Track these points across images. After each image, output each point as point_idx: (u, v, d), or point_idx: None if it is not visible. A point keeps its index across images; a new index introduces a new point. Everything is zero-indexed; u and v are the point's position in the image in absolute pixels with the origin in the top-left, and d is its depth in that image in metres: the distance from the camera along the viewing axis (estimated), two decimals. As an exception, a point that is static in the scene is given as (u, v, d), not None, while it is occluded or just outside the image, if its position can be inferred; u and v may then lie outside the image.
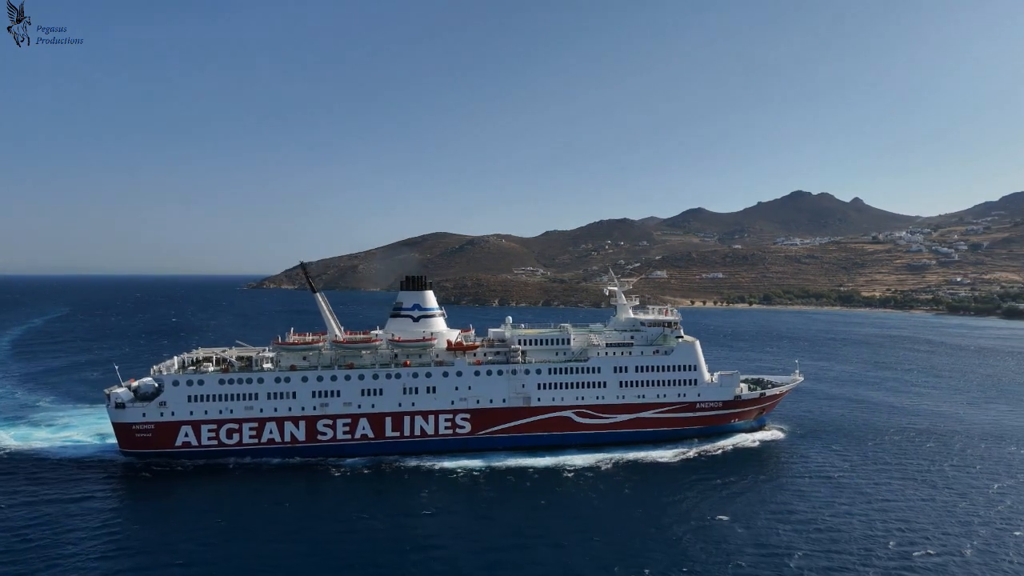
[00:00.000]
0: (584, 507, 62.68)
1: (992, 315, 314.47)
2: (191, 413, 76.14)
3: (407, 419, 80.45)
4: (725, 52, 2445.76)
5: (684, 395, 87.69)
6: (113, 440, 78.19)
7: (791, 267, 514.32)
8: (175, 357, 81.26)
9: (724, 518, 59.32)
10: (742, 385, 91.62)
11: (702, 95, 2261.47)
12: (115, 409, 75.01)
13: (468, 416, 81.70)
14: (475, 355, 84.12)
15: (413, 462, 75.81)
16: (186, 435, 76.08)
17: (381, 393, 79.84)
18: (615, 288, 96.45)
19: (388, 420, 80.00)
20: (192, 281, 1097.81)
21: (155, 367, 79.02)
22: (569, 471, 73.43)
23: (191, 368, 78.52)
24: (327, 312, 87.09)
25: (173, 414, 75.84)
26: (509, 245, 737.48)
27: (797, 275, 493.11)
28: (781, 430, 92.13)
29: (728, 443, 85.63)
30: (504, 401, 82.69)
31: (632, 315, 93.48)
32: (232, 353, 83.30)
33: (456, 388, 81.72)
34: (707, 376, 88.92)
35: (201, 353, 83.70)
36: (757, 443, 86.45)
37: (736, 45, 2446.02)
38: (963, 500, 64.57)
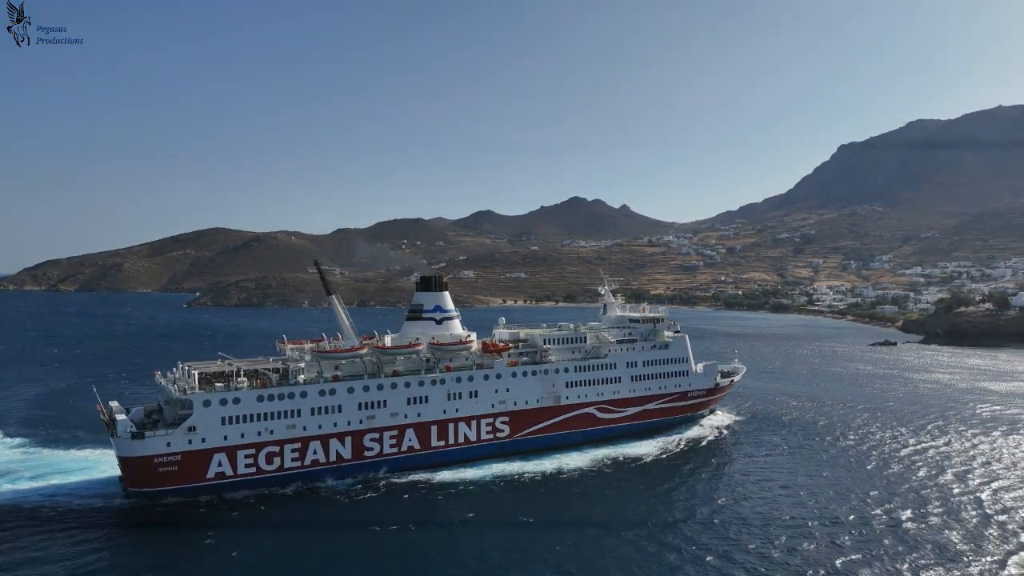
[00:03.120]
0: (606, 506, 63.79)
1: (762, 309, 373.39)
2: (225, 438, 64.56)
3: (451, 426, 76.49)
4: (508, 68, 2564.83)
5: (679, 386, 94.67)
6: (40, 483, 65.60)
7: (584, 267, 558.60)
8: (194, 372, 68.04)
9: (746, 502, 63.65)
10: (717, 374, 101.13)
11: (489, 106, 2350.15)
12: (131, 440, 60.77)
13: (507, 419, 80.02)
14: (503, 357, 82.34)
15: (412, 477, 71.23)
16: (219, 464, 64.30)
17: (427, 400, 74.90)
18: (606, 287, 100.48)
19: (433, 429, 75.34)
20: None
21: (174, 385, 65.58)
22: (572, 472, 73.75)
23: (219, 385, 66.22)
24: (343, 316, 79.16)
25: (204, 440, 63.62)
26: (299, 243, 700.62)
27: (590, 274, 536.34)
28: (731, 413, 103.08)
29: (703, 431, 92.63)
30: (538, 401, 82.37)
31: (620, 313, 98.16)
32: (262, 364, 72.14)
33: (496, 391, 79.60)
34: (694, 367, 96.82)
35: (191, 366, 71.09)
36: (728, 424, 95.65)
37: (519, 64, 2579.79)
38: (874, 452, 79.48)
